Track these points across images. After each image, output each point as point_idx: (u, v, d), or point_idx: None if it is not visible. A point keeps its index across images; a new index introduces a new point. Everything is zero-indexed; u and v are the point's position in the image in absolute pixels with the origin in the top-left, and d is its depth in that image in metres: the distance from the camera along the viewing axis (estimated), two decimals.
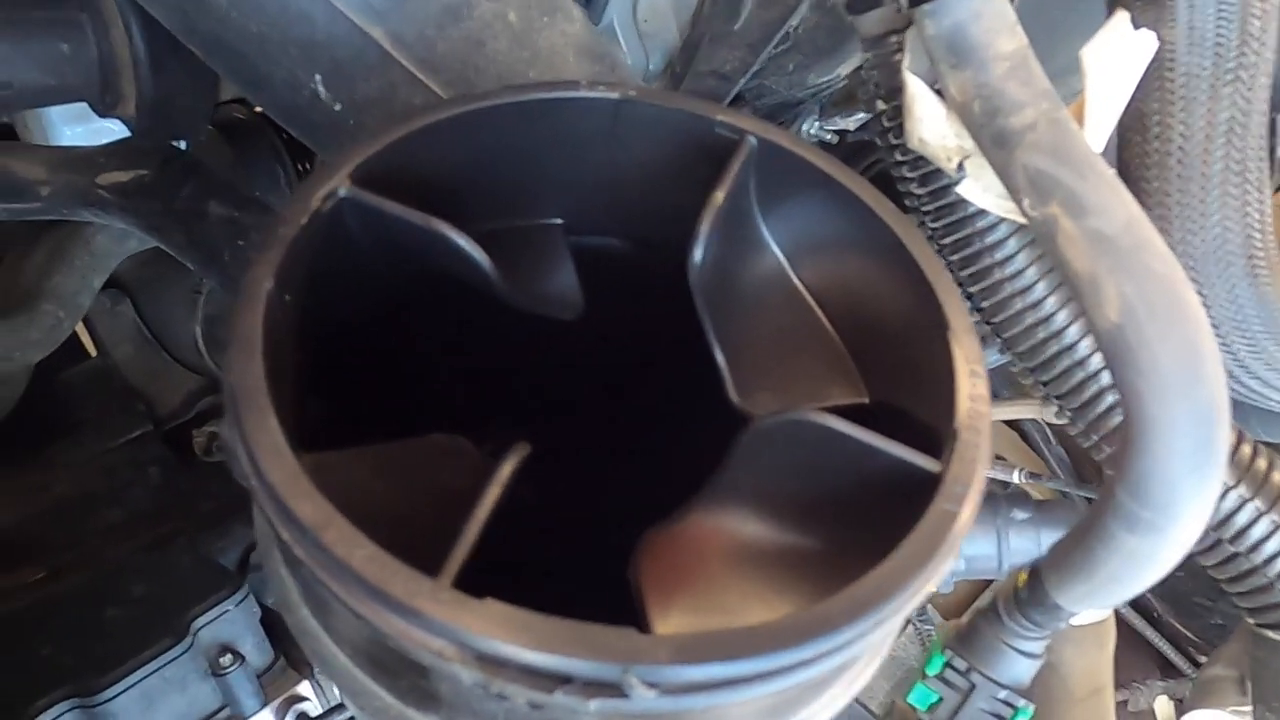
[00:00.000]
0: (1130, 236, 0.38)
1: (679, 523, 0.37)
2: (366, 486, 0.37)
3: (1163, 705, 1.55)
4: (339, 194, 0.37)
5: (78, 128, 1.04)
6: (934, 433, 0.38)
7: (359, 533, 0.29)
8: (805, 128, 1.02)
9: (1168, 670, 1.57)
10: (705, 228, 0.41)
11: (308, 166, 1.06)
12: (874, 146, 1.26)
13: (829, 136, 1.03)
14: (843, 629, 0.29)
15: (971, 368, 0.36)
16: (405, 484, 0.38)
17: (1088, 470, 1.39)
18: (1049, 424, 1.46)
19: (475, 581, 0.29)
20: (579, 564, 0.42)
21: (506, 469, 0.33)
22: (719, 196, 0.41)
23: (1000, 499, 0.68)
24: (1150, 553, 0.39)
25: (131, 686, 0.85)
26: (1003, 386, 1.06)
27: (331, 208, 0.37)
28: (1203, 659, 1.50)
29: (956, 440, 0.34)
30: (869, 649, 0.36)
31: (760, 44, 0.86)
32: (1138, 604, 1.58)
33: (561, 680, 0.27)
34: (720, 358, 0.41)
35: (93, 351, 1.48)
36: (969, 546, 0.67)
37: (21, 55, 0.57)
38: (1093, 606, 0.46)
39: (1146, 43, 0.42)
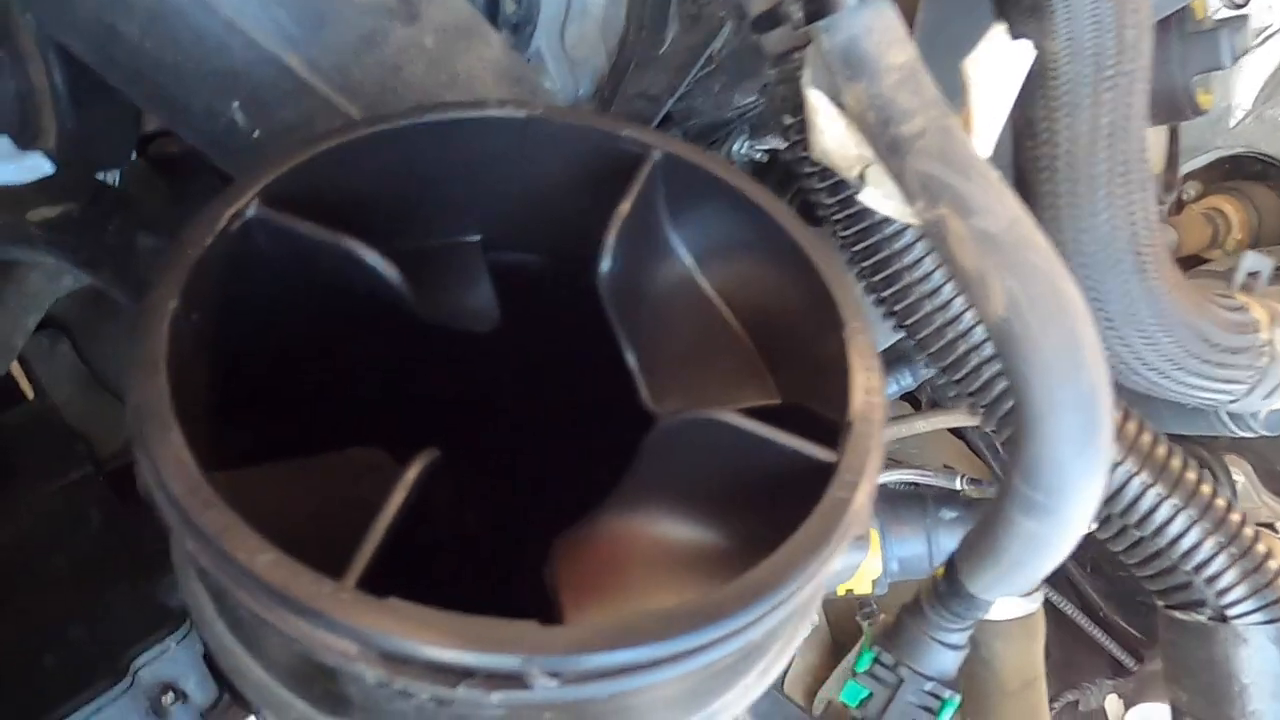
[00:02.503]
0: (1013, 234, 0.40)
1: (592, 525, 0.38)
2: (281, 501, 0.37)
3: (1113, 704, 1.57)
4: (247, 214, 0.38)
5: (8, 166, 1.03)
6: (834, 427, 0.39)
7: (261, 539, 0.29)
8: (736, 148, 1.05)
9: (1117, 670, 1.60)
10: (612, 238, 0.42)
11: None
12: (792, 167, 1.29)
13: (759, 156, 1.06)
14: (736, 614, 0.30)
15: (866, 362, 0.38)
16: (319, 497, 0.38)
17: None
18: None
19: (387, 587, 0.30)
20: (498, 571, 0.43)
21: (412, 473, 0.34)
22: (625, 208, 0.43)
23: (929, 500, 0.70)
24: (1047, 535, 0.41)
25: None
26: (945, 396, 1.09)
27: (239, 227, 0.38)
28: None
29: (850, 431, 0.35)
30: (778, 637, 0.37)
31: (685, 67, 0.88)
32: (1084, 604, 1.61)
33: (464, 674, 0.28)
34: (633, 363, 0.42)
35: (30, 394, 1.45)
36: (900, 548, 0.69)
37: None
38: (1003, 593, 0.47)
39: (1024, 52, 0.44)
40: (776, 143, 1.08)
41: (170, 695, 0.89)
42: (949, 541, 0.68)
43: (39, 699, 0.87)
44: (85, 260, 0.80)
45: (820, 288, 0.40)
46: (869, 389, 0.37)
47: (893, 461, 1.43)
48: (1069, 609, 1.52)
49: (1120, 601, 1.58)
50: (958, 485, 1.34)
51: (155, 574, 1.18)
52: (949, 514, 0.68)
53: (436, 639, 0.27)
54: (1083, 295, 0.39)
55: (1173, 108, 0.79)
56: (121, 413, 1.13)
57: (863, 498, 0.34)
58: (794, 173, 0.57)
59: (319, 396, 0.44)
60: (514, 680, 0.28)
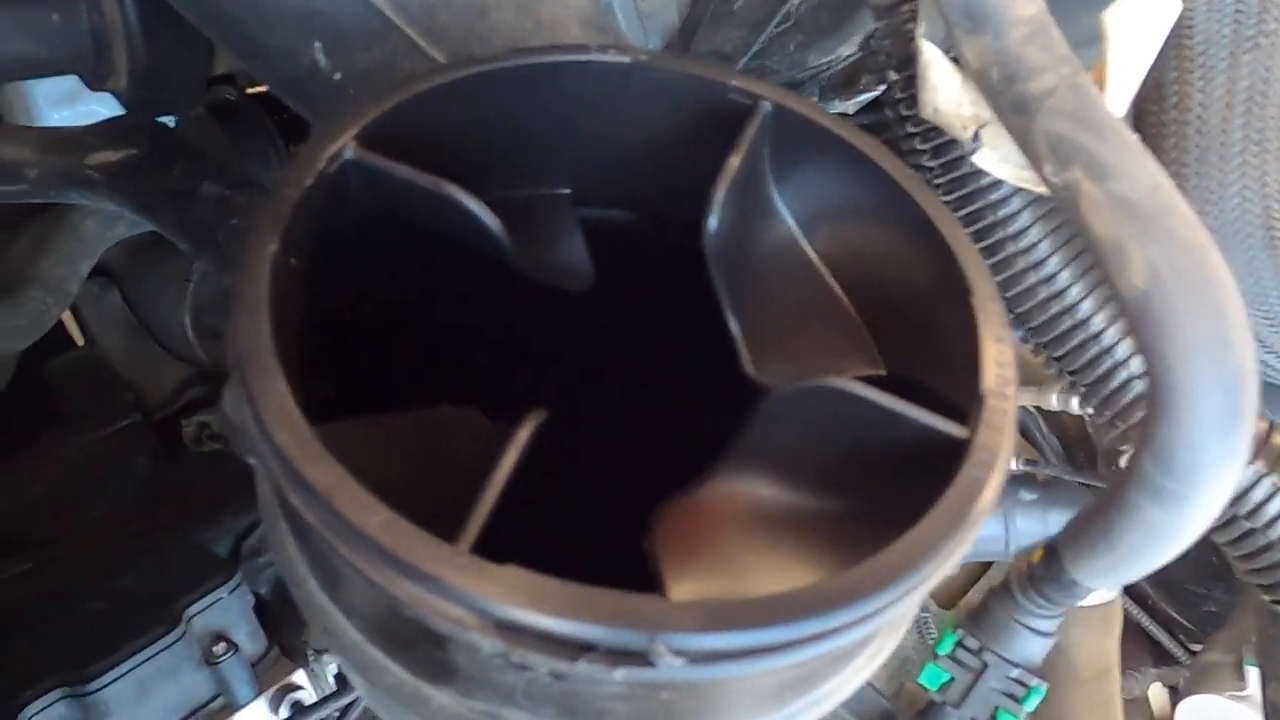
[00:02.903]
0: (1156, 201, 0.37)
1: (695, 492, 0.37)
2: (377, 456, 0.35)
3: (1156, 692, 1.55)
4: (344, 155, 0.36)
5: (64, 110, 1.02)
6: (951, 403, 0.37)
7: (373, 498, 0.28)
8: None
9: (1162, 658, 1.57)
10: (720, 194, 0.40)
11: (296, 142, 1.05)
12: (875, 129, 1.25)
13: None
14: (871, 597, 0.28)
15: (996, 333, 0.35)
16: (416, 454, 0.37)
17: (1079, 457, 1.39)
18: (1040, 411, 1.46)
19: (491, 550, 0.29)
20: (594, 535, 0.41)
21: (523, 434, 0.32)
22: (734, 162, 0.40)
23: (1007, 481, 0.68)
24: (1173, 524, 0.38)
25: (123, 675, 0.83)
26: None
27: (336, 169, 0.36)
28: (1196, 646, 1.50)
29: (984, 406, 0.33)
30: (891, 621, 0.35)
31: (761, 23, 0.85)
32: (1132, 592, 1.59)
33: (585, 648, 0.26)
34: (735, 328, 0.40)
35: (80, 340, 1.46)
36: None
37: (11, 25, 0.55)
38: (1111, 582, 0.45)
39: (1170, 7, 0.41)
40: (846, 107, 1.05)
41: (222, 645, 0.89)
42: (1026, 523, 0.66)
43: (92, 644, 0.88)
44: (146, 206, 0.79)
45: (944, 251, 0.38)
46: (1000, 360, 0.35)
47: None
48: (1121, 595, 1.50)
49: (1169, 590, 1.55)
50: (1011, 466, 1.31)
51: (203, 523, 1.19)
52: (1028, 495, 0.66)
53: (561, 611, 0.26)
54: (1229, 268, 0.37)
55: None
56: (167, 363, 1.13)
57: (998, 478, 0.32)
58: (892, 134, 0.54)
59: (407, 348, 0.42)
60: (638, 657, 0.26)
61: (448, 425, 0.38)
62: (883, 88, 0.54)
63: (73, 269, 1.15)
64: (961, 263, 0.37)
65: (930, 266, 0.39)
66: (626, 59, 0.42)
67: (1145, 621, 1.53)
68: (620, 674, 0.26)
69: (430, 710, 0.33)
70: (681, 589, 0.34)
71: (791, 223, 0.45)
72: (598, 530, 0.41)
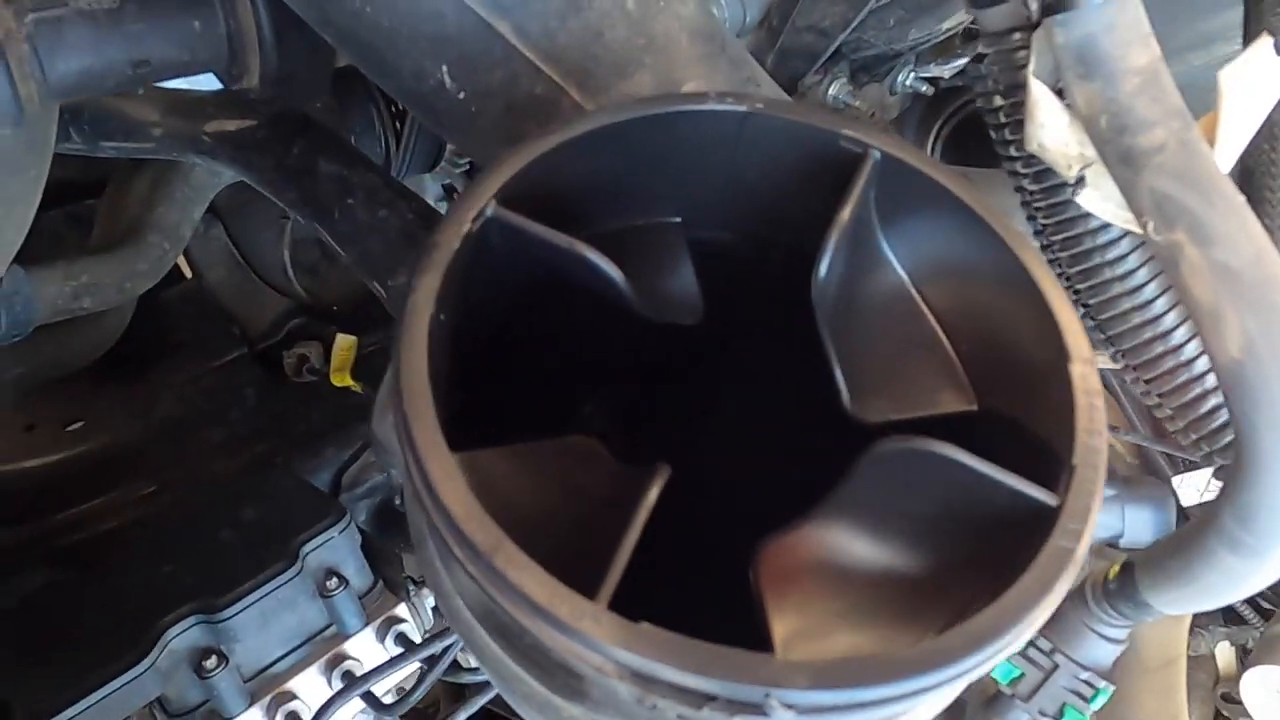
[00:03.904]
0: (1257, 270, 0.38)
1: (798, 532, 0.40)
2: (511, 484, 0.40)
3: (1224, 651, 1.56)
4: (486, 214, 0.40)
5: None
6: (1045, 446, 0.39)
7: (525, 555, 0.32)
8: (901, 78, 1.01)
9: (1231, 617, 1.58)
10: (831, 244, 0.42)
11: (399, 108, 1.08)
12: (963, 90, 1.22)
13: (923, 87, 1.01)
14: (963, 661, 0.31)
15: (1091, 400, 0.37)
16: (545, 482, 0.41)
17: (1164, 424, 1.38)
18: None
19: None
20: (695, 559, 0.46)
21: (653, 493, 0.36)
22: (844, 214, 0.42)
23: None
24: (1247, 573, 0.41)
25: (250, 605, 0.92)
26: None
27: (480, 228, 0.40)
28: (1269, 608, 1.50)
29: (1074, 475, 0.36)
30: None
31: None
32: None
33: (708, 699, 0.31)
34: (837, 370, 0.43)
35: (188, 273, 1.53)
36: None
37: (158, 33, 0.59)
38: (1181, 610, 0.48)
39: None
40: (942, 71, 1.04)
41: (334, 580, 0.97)
42: (1103, 517, 0.68)
43: (222, 571, 0.96)
44: (267, 180, 0.83)
45: (1046, 315, 0.40)
46: (1091, 430, 0.37)
47: None
48: None
49: None
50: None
51: (307, 455, 1.27)
52: (1107, 491, 0.67)
53: (689, 667, 0.30)
54: None
55: None
56: (268, 297, 1.19)
57: (1084, 547, 0.35)
58: (999, 154, 0.55)
59: (538, 381, 0.46)
60: (753, 708, 0.31)
61: (572, 455, 0.42)
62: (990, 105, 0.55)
63: (186, 214, 1.21)
64: (1062, 327, 0.39)
65: (1030, 325, 0.41)
66: (742, 107, 0.44)
67: None
68: None
69: (561, 717, 0.38)
70: (782, 625, 0.38)
71: (898, 267, 0.47)
72: (703, 560, 0.45)
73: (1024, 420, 0.42)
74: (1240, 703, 1.25)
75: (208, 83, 0.82)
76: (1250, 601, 1.54)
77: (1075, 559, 0.34)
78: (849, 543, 0.40)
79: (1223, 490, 0.40)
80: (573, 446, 0.42)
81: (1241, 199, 0.40)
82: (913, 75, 1.01)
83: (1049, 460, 0.38)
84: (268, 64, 0.63)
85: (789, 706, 0.30)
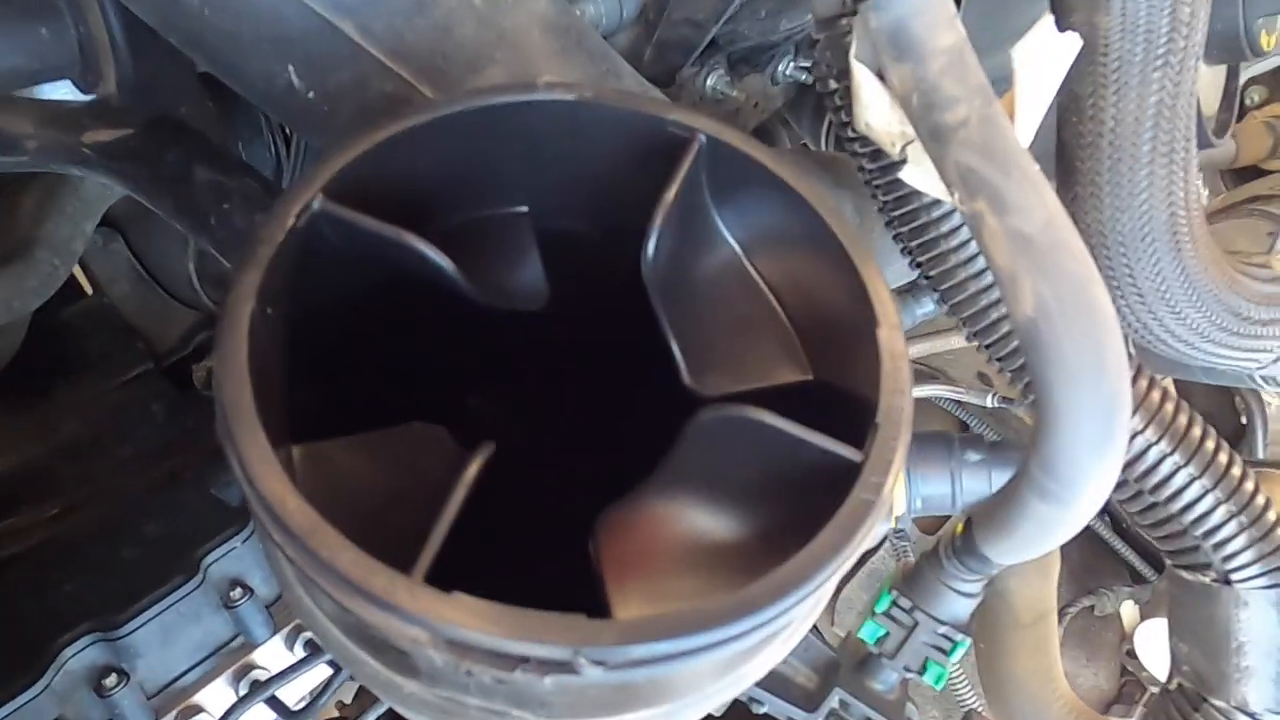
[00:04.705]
0: (1048, 236, 0.41)
1: (633, 504, 0.42)
2: (352, 472, 0.41)
3: (1128, 610, 1.63)
4: (313, 208, 0.40)
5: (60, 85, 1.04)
6: (867, 409, 0.41)
7: (342, 537, 0.33)
8: (781, 69, 1.03)
9: (1135, 578, 1.65)
10: (657, 224, 0.44)
11: None
12: None
13: (804, 76, 1.04)
14: (765, 609, 0.33)
15: (896, 363, 0.40)
16: (386, 469, 0.42)
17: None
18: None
19: (451, 558, 0.34)
20: (539, 533, 0.47)
21: (472, 470, 0.37)
22: (669, 195, 0.44)
23: (955, 442, 0.73)
24: (1057, 519, 0.44)
25: (150, 620, 0.90)
26: None
27: (306, 222, 0.40)
28: None
29: (877, 433, 0.38)
30: (801, 615, 0.40)
31: None
32: (1108, 514, 1.65)
33: (520, 661, 0.32)
34: (674, 344, 0.45)
35: (88, 290, 1.49)
36: (925, 487, 0.72)
37: (3, 41, 0.58)
38: (1013, 560, 0.50)
39: (1071, 43, 0.44)
40: None
41: (238, 590, 0.96)
42: (972, 483, 0.71)
43: (121, 588, 0.94)
44: (142, 189, 0.82)
45: (858, 285, 0.42)
46: (895, 390, 0.39)
47: (927, 374, 1.45)
48: (1093, 520, 1.56)
49: None
50: (988, 403, 1.36)
51: (223, 470, 1.25)
52: (974, 456, 0.71)
53: (499, 631, 0.31)
54: (1111, 302, 0.41)
55: (1233, 49, 0.76)
56: (174, 310, 1.17)
57: (885, 498, 0.37)
58: (839, 135, 0.57)
59: (380, 373, 0.47)
60: (564, 666, 0.32)
61: (414, 441, 0.43)
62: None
63: (78, 228, 1.18)
64: (871, 297, 0.41)
65: (846, 293, 0.43)
66: (570, 96, 0.45)
67: (1118, 545, 1.60)
68: (550, 681, 0.32)
69: (404, 694, 0.39)
70: (620, 593, 0.39)
71: (734, 244, 0.48)
72: (544, 529, 0.46)
73: (850, 387, 0.44)
74: None
75: None
76: (1149, 561, 1.61)
77: (875, 510, 0.36)
78: (681, 509, 0.41)
79: (1030, 445, 0.43)
80: (414, 433, 0.43)
81: (1036, 169, 0.43)
82: (792, 65, 1.03)
83: (868, 422, 0.41)
84: (124, 70, 0.63)
85: (598, 663, 0.32)
